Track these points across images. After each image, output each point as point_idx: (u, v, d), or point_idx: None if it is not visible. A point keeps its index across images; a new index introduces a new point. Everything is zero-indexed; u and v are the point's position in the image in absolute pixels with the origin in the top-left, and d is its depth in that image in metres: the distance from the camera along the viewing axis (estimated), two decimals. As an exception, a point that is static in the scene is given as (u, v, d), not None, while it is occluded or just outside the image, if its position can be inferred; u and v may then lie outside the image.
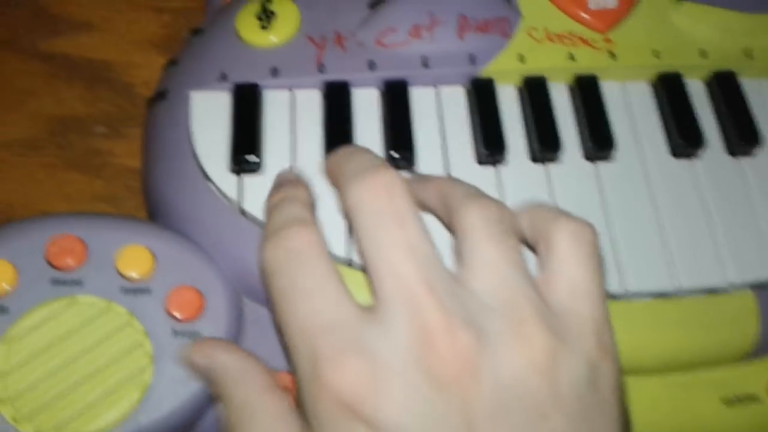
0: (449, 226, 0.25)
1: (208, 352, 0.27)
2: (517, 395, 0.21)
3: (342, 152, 0.28)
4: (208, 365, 0.26)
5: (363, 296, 0.24)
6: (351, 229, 0.25)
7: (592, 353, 0.22)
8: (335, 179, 0.28)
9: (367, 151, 0.27)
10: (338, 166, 0.27)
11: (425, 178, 0.27)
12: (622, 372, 0.24)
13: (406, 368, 0.21)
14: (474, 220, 0.24)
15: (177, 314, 0.29)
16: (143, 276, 0.29)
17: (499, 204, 0.25)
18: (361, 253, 0.24)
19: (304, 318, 0.22)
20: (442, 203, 0.26)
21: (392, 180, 0.24)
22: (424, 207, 0.27)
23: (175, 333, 0.28)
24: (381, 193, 0.24)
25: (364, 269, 0.24)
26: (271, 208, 0.27)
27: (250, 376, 0.25)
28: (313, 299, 0.23)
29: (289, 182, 0.29)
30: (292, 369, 0.23)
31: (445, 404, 0.20)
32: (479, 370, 0.21)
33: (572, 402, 0.21)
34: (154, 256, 0.29)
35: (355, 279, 0.26)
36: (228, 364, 0.26)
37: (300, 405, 0.23)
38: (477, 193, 0.25)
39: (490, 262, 0.23)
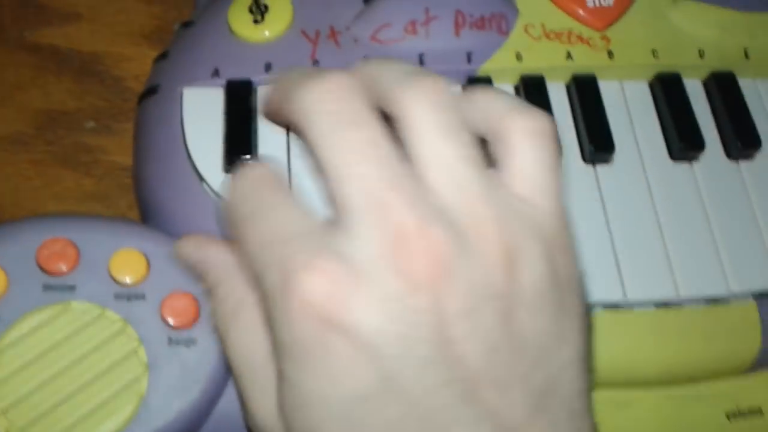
0: (390, 114, 0.23)
1: (202, 244, 0.26)
2: (485, 295, 0.20)
3: (283, 76, 0.25)
4: (201, 258, 0.26)
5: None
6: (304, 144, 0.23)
7: (552, 250, 0.22)
8: (283, 102, 0.25)
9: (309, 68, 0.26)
10: (284, 91, 0.24)
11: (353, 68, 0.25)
12: (582, 272, 0.23)
13: (379, 270, 0.20)
14: (417, 111, 0.22)
15: (172, 321, 0.28)
16: (137, 281, 0.28)
17: (443, 85, 0.22)
18: (318, 162, 0.22)
19: (269, 233, 0.21)
20: (375, 92, 0.23)
21: (344, 81, 0.22)
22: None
23: (171, 340, 0.28)
24: (335, 94, 0.22)
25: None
26: None
27: (239, 271, 0.24)
28: (277, 213, 0.22)
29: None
30: (260, 292, 0.22)
31: (420, 305, 0.20)
32: (453, 269, 0.20)
33: (535, 299, 0.21)
34: (148, 260, 0.29)
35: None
36: (220, 257, 0.25)
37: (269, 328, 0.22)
38: (414, 73, 0.23)
39: (444, 161, 0.21)
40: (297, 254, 0.20)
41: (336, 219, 0.21)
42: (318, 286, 0.20)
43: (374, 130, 0.22)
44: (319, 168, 0.22)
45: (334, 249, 0.20)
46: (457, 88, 0.23)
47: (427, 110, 0.22)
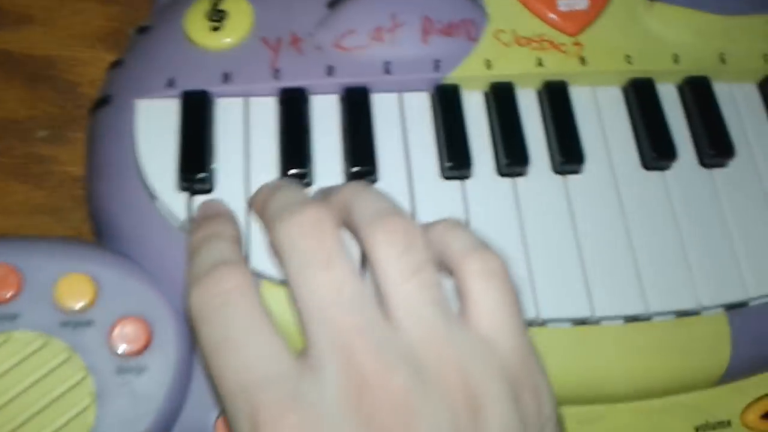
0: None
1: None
2: None
3: (266, 188, 0.27)
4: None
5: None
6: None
7: (518, 390, 0.22)
8: (262, 217, 0.26)
9: (291, 186, 0.26)
10: (264, 203, 0.26)
11: (330, 192, 0.26)
12: (554, 402, 0.23)
13: (343, 418, 0.20)
14: (382, 251, 0.23)
15: (122, 348, 0.27)
16: (85, 307, 0.27)
17: (407, 226, 0.23)
18: (291, 296, 0.23)
19: (239, 372, 0.21)
20: (349, 224, 0.24)
21: (318, 218, 0.23)
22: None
23: (120, 369, 0.27)
24: (308, 233, 0.23)
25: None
26: (194, 247, 0.25)
27: None
28: (247, 351, 0.22)
29: (212, 217, 0.27)
30: (230, 422, 0.22)
31: None
32: (416, 417, 0.20)
33: None
34: (96, 284, 0.28)
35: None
36: None
37: None
38: (383, 213, 0.24)
39: (410, 304, 0.22)
40: (266, 406, 0.21)
41: (306, 353, 0.22)
42: None
43: (343, 272, 0.22)
44: (291, 300, 0.23)
45: (301, 398, 0.21)
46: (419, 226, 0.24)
47: (393, 254, 0.23)
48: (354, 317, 0.22)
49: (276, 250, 0.24)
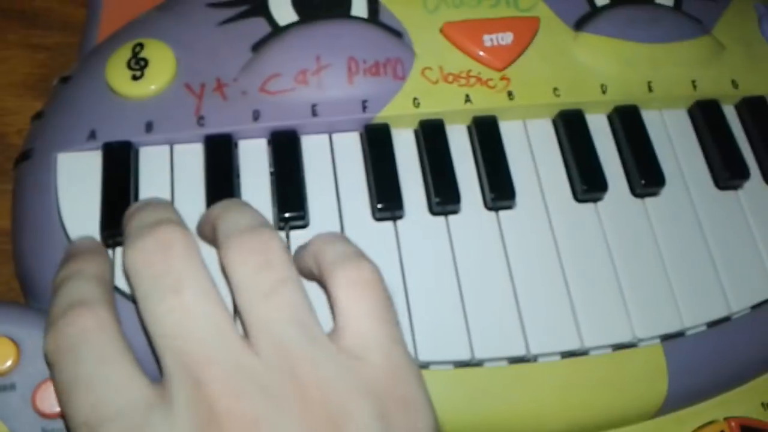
0: None
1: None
2: None
3: (131, 207, 0.26)
4: None
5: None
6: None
7: (386, 408, 0.21)
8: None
9: (155, 204, 0.25)
10: (126, 223, 0.25)
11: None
12: (431, 414, 0.22)
13: None
14: (237, 269, 0.22)
15: (46, 410, 0.26)
16: (6, 370, 0.26)
17: (266, 242, 0.23)
18: (142, 324, 0.22)
19: (87, 410, 0.21)
20: (213, 238, 0.24)
21: (168, 237, 0.22)
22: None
23: (45, 431, 0.26)
24: (154, 257, 0.22)
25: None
26: (53, 288, 0.24)
27: None
28: (96, 389, 0.21)
29: (76, 255, 0.26)
30: None
31: None
32: None
33: None
34: (17, 346, 0.27)
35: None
36: None
37: None
38: (241, 229, 0.23)
39: (267, 325, 0.21)
40: None
41: (161, 384, 0.21)
42: None
43: (193, 294, 0.22)
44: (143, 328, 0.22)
45: (150, 429, 0.20)
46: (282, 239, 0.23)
47: (248, 272, 0.22)
48: (202, 346, 0.21)
49: (126, 274, 0.23)
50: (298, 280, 0.23)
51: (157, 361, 0.22)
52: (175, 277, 0.22)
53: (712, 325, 0.32)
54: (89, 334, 0.22)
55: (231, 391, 0.20)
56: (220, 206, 0.25)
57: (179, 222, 0.23)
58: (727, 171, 0.34)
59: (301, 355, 0.21)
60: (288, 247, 0.30)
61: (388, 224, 0.31)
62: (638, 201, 0.33)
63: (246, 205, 0.25)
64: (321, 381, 0.21)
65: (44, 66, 0.39)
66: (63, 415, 0.22)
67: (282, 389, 0.21)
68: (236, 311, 0.23)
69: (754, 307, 0.33)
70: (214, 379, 0.20)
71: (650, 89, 0.35)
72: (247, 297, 0.22)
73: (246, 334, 0.22)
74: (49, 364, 0.23)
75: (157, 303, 0.22)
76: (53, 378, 0.22)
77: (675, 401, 0.31)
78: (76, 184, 0.30)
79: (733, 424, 0.32)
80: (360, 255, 0.23)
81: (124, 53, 0.32)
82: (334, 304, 0.23)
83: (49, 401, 0.26)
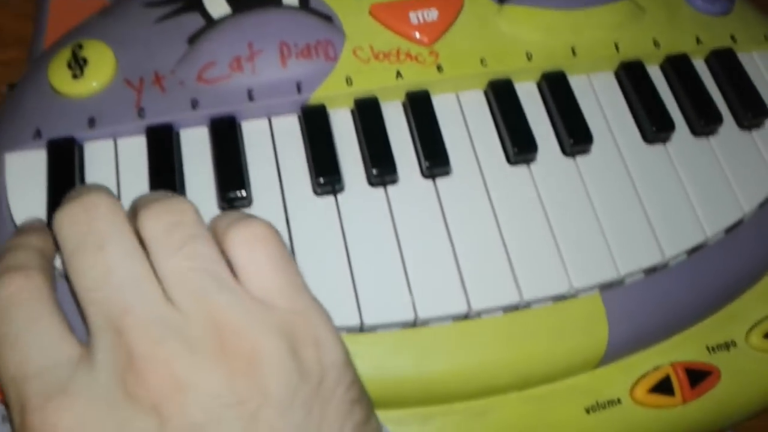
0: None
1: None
2: (226, 403, 0.21)
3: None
4: None
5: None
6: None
7: (297, 346, 0.22)
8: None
9: (89, 185, 0.27)
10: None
11: None
12: (340, 350, 0.24)
13: (113, 398, 0.21)
14: (149, 230, 0.23)
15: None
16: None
17: (176, 206, 0.24)
18: (69, 284, 0.23)
19: (13, 367, 0.22)
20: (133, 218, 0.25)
21: (93, 201, 0.24)
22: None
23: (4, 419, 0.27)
24: (79, 217, 0.23)
25: None
26: None
27: None
28: (22, 346, 0.22)
29: (21, 231, 0.28)
30: (11, 422, 0.22)
31: (148, 426, 0.21)
32: (185, 384, 0.21)
33: (282, 398, 0.21)
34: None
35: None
36: None
37: None
38: (153, 198, 0.25)
39: (179, 275, 0.23)
40: (32, 396, 0.21)
41: (87, 341, 0.22)
42: (49, 427, 0.21)
43: (116, 249, 0.23)
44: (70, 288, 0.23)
45: (69, 386, 0.21)
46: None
47: (159, 231, 0.23)
48: (122, 296, 0.22)
49: (56, 239, 0.24)
50: (209, 237, 0.24)
51: (83, 319, 0.23)
52: (99, 236, 0.23)
53: (649, 273, 0.33)
54: (21, 296, 0.23)
55: (149, 336, 0.21)
56: (142, 194, 0.26)
57: (107, 191, 0.25)
58: (653, 125, 0.36)
59: (215, 301, 0.22)
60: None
61: (330, 199, 0.33)
62: (569, 160, 0.35)
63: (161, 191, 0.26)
64: (234, 323, 0.22)
65: (-1, 82, 0.40)
66: None
67: (198, 333, 0.22)
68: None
69: (690, 253, 0.34)
70: (133, 326, 0.21)
71: (574, 54, 0.37)
72: (161, 252, 0.23)
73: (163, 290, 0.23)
74: None
75: (82, 259, 0.23)
76: None
77: (617, 349, 0.32)
78: (24, 181, 0.31)
79: (678, 368, 0.33)
80: (249, 216, 0.25)
81: (65, 54, 0.34)
82: (233, 264, 0.24)
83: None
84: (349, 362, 0.24)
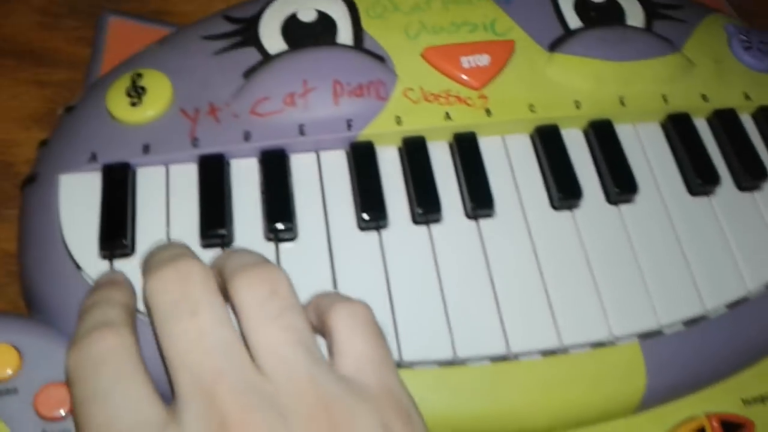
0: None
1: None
2: None
3: (153, 247, 0.28)
4: None
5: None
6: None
7: (386, 419, 0.23)
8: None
9: (174, 243, 0.28)
10: (146, 259, 0.27)
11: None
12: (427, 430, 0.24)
13: None
14: (244, 297, 0.24)
15: (47, 414, 0.28)
16: (9, 375, 0.28)
17: (271, 274, 0.24)
18: (159, 348, 0.24)
19: (102, 423, 0.22)
20: (221, 279, 0.25)
21: (187, 271, 0.24)
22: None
23: (44, 433, 0.27)
24: (173, 283, 0.24)
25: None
26: (81, 312, 0.26)
27: None
28: (111, 403, 0.22)
29: (105, 284, 0.28)
30: None
31: None
32: None
33: None
34: (20, 353, 0.28)
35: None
36: None
37: None
38: (247, 265, 0.25)
39: (274, 347, 0.23)
40: None
41: (174, 405, 0.22)
42: None
43: (209, 317, 0.23)
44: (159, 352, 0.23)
45: None
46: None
47: (255, 300, 0.24)
48: (215, 361, 0.22)
49: (145, 303, 0.25)
50: (301, 308, 0.24)
51: (171, 384, 0.23)
52: (192, 303, 0.23)
53: (689, 324, 0.33)
54: (111, 353, 0.23)
55: (242, 403, 0.21)
56: (224, 253, 0.27)
57: (196, 257, 0.25)
58: (699, 178, 0.36)
59: (307, 374, 0.22)
60: (278, 261, 0.32)
61: (373, 234, 0.33)
62: (613, 208, 0.35)
63: (247, 249, 0.27)
64: (325, 398, 0.22)
65: (50, 101, 0.41)
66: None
67: (290, 405, 0.22)
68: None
69: (731, 306, 0.34)
70: (226, 391, 0.22)
71: (622, 104, 0.37)
72: (254, 321, 0.23)
73: (252, 359, 0.23)
74: (69, 380, 0.24)
75: (174, 325, 0.23)
76: (71, 394, 0.24)
77: (654, 397, 0.32)
78: (78, 203, 0.32)
79: (713, 419, 0.33)
80: (350, 297, 0.26)
81: (124, 82, 0.35)
82: (331, 335, 0.24)
83: (49, 405, 0.28)
84: None
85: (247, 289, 0.24)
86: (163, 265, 0.24)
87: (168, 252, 0.26)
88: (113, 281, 0.28)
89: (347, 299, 0.25)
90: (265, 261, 0.25)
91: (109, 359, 0.23)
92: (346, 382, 0.23)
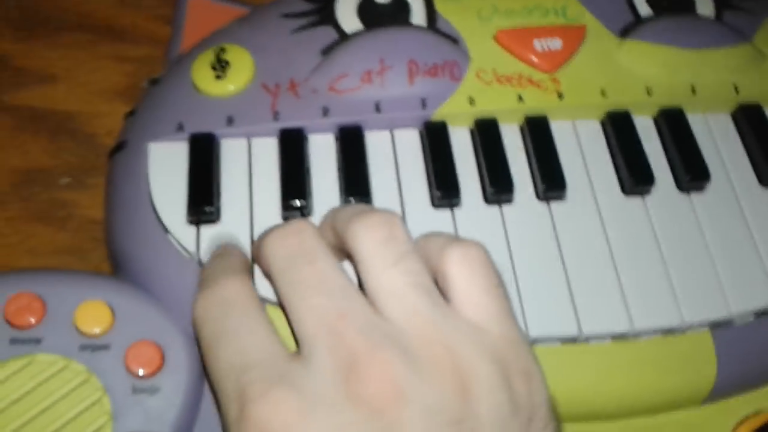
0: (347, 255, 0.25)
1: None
2: (441, 420, 0.21)
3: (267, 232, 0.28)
4: None
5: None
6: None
7: (509, 375, 0.22)
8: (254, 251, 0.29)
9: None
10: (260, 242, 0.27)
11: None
12: (547, 388, 0.24)
13: (333, 397, 0.21)
14: (363, 243, 0.24)
15: (136, 370, 0.29)
16: (102, 332, 0.29)
17: (387, 219, 0.24)
18: (280, 300, 0.24)
19: (231, 357, 0.23)
20: (334, 234, 0.26)
21: (300, 226, 0.25)
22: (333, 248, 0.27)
23: (135, 389, 0.29)
24: (290, 238, 0.25)
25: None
26: (206, 264, 0.28)
27: None
28: (240, 339, 0.23)
29: (224, 246, 0.30)
30: (220, 412, 0.23)
31: (374, 429, 0.20)
32: (406, 392, 0.21)
33: (494, 426, 0.21)
34: (112, 311, 0.30)
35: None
36: None
37: None
38: (362, 211, 0.25)
39: (393, 290, 0.23)
40: (254, 383, 0.21)
41: (298, 349, 0.23)
42: (273, 416, 0.21)
43: (326, 264, 0.24)
44: (281, 305, 0.24)
45: (290, 378, 0.21)
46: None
47: (374, 244, 0.24)
48: (338, 302, 0.23)
49: (264, 266, 0.26)
50: (419, 253, 0.24)
51: (293, 333, 0.24)
52: (309, 253, 0.24)
53: (760, 315, 0.33)
54: (238, 295, 0.25)
55: (370, 341, 0.21)
56: (331, 210, 0.27)
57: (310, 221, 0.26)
58: (770, 169, 0.36)
59: (429, 318, 0.22)
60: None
61: (446, 211, 0.34)
62: (684, 196, 0.35)
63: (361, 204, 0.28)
64: (448, 342, 0.22)
65: (131, 75, 0.43)
66: (205, 372, 0.24)
67: (415, 345, 0.22)
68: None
69: (802, 298, 0.34)
70: (353, 330, 0.22)
71: (694, 92, 0.37)
72: (374, 266, 0.23)
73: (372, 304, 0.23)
74: (197, 323, 0.25)
75: (295, 272, 0.24)
76: (198, 336, 0.25)
77: (724, 388, 0.32)
78: (165, 169, 0.33)
79: (781, 414, 0.33)
80: (461, 238, 0.25)
81: (209, 56, 0.36)
82: (448, 282, 0.24)
83: (139, 361, 0.29)
84: (554, 404, 0.23)
85: (365, 235, 0.24)
86: (275, 228, 0.26)
87: (283, 224, 0.27)
88: (230, 246, 0.30)
89: (459, 240, 0.24)
90: (376, 208, 0.25)
91: (236, 301, 0.24)
92: (469, 329, 0.23)
